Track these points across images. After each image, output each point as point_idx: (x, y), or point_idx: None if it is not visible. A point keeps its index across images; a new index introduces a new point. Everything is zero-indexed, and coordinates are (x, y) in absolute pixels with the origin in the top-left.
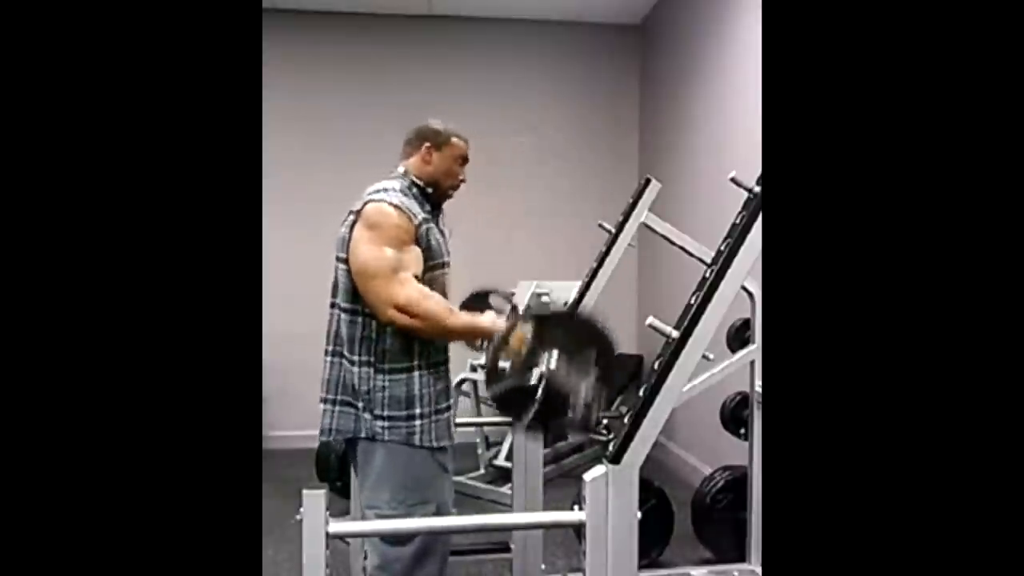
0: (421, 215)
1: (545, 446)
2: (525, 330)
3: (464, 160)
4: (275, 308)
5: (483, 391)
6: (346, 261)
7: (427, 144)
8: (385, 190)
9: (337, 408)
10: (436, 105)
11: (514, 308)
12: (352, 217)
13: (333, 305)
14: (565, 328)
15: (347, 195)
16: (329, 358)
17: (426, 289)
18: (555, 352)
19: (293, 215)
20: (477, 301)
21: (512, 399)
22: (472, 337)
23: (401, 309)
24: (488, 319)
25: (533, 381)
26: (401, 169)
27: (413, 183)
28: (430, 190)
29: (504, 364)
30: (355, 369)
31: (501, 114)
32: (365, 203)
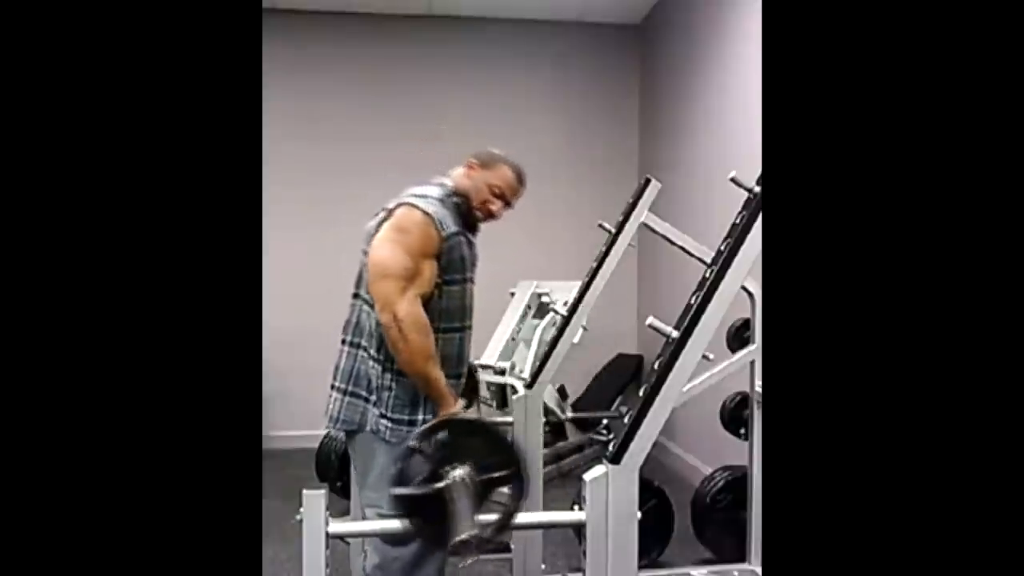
0: (451, 228)
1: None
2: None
3: (500, 193)
4: (275, 309)
5: (483, 392)
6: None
7: (476, 160)
8: (424, 196)
9: (347, 399)
10: (436, 105)
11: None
12: (383, 214)
13: (356, 296)
14: (478, 438)
15: (347, 195)
16: (346, 348)
17: (426, 322)
18: (464, 464)
19: (293, 215)
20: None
21: (416, 505)
22: (432, 394)
23: (396, 319)
24: (456, 402)
25: (440, 485)
26: (448, 180)
27: (452, 192)
28: (458, 199)
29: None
30: (370, 362)
31: (501, 114)
32: (400, 204)
